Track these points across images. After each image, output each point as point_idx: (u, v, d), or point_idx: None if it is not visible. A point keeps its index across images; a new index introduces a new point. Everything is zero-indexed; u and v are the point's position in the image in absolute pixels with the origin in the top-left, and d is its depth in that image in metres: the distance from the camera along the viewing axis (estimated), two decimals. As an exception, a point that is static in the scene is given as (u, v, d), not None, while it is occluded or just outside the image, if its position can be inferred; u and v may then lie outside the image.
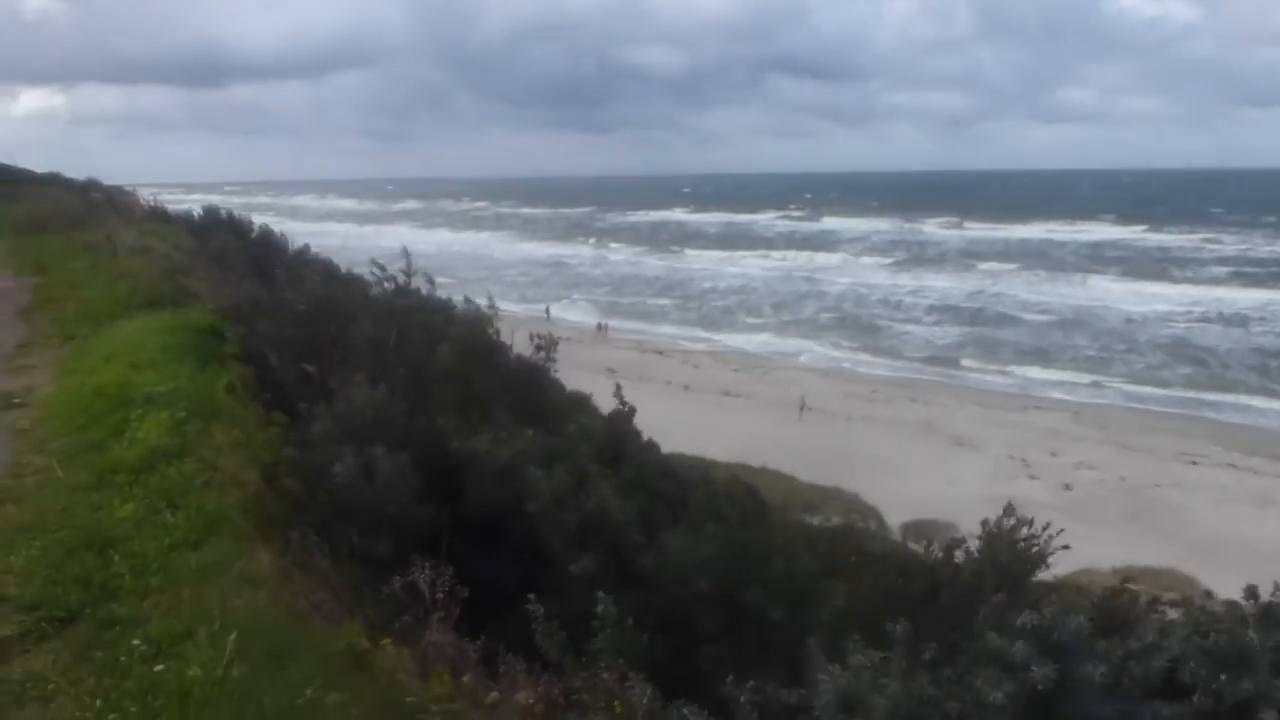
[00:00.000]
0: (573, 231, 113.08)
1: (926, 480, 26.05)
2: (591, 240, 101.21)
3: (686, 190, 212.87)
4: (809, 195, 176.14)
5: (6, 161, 44.61)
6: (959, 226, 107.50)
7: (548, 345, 10.13)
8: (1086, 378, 40.62)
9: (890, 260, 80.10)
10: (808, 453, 27.04)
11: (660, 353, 43.65)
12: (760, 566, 6.61)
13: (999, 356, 44.64)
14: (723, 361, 42.44)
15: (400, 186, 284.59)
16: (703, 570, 6.40)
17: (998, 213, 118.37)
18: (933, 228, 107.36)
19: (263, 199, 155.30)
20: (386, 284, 9.04)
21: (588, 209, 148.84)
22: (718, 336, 49.82)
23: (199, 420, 6.44)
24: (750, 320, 54.74)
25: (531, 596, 4.88)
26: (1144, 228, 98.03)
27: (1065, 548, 6.52)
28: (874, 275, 71.00)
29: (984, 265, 74.50)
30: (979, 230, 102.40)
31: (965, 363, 43.73)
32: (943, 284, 65.71)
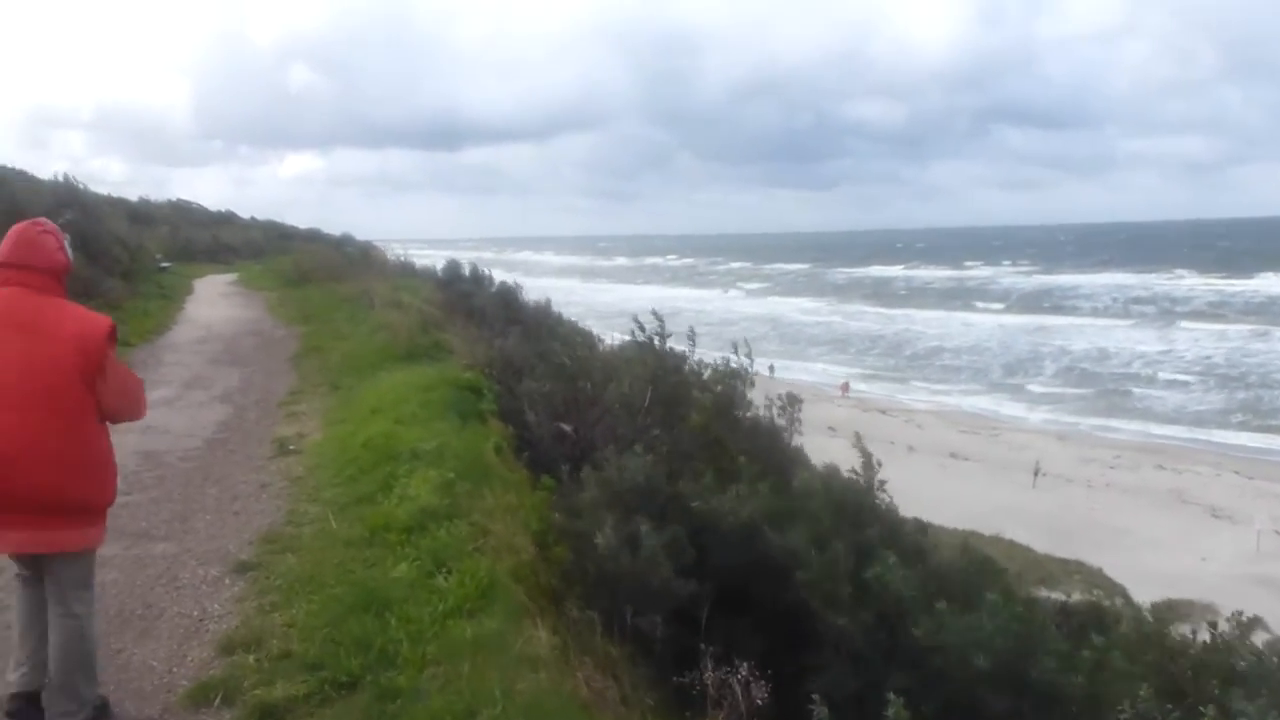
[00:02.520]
0: (790, 288, 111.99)
1: (1178, 555, 23.54)
2: (809, 297, 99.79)
3: (899, 245, 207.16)
4: (1032, 249, 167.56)
5: (276, 219, 49.70)
6: (1210, 279, 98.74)
7: (789, 405, 9.82)
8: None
9: (1133, 318, 74.44)
10: (1043, 521, 25.09)
11: (883, 411, 42.04)
12: (1045, 642, 5.94)
13: (1264, 421, 40.30)
14: (949, 422, 40.44)
15: (613, 243, 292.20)
16: (981, 647, 5.73)
17: (1254, 263, 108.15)
18: (1179, 281, 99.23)
19: (488, 254, 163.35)
20: (642, 342, 8.95)
21: (805, 265, 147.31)
22: (943, 396, 47.67)
23: (468, 481, 6.40)
24: (977, 380, 52.08)
25: (816, 697, 4.44)
26: None
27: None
28: (1114, 333, 65.83)
29: (1240, 324, 67.85)
30: (1233, 283, 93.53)
31: (1222, 427, 39.74)
32: (1193, 342, 60.19)
